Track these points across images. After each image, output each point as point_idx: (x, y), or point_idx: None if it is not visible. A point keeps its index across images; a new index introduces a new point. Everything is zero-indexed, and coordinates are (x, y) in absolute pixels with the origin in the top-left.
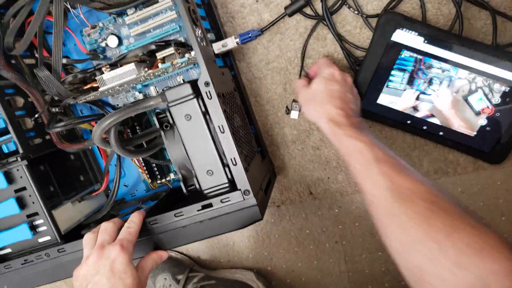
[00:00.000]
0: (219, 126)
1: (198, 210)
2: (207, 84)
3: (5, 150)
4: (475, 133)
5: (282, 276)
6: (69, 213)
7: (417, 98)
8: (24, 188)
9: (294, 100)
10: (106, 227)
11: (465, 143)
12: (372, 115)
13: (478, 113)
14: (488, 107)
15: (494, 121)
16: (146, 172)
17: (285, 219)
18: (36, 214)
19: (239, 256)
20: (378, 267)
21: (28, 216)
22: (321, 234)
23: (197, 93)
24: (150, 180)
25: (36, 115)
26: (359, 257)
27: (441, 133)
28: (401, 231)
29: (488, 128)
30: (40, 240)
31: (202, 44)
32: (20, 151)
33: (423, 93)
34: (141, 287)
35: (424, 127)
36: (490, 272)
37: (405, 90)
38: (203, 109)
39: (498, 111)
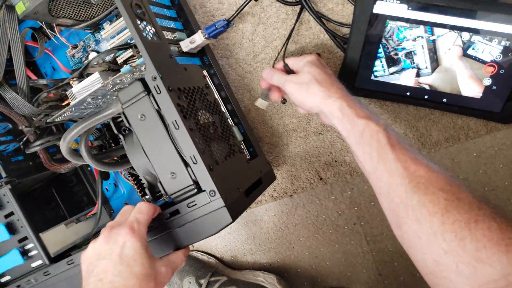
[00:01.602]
0: (172, 122)
1: (166, 219)
2: (154, 78)
3: None
4: (481, 94)
5: (306, 263)
6: (62, 235)
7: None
8: (12, 213)
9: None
10: (125, 210)
11: (472, 107)
12: (368, 92)
13: (480, 73)
14: (490, 66)
15: (500, 79)
16: (136, 185)
17: (300, 208)
18: (25, 238)
19: (262, 248)
20: (400, 244)
21: (19, 241)
22: (338, 218)
23: (149, 90)
24: (141, 194)
25: (22, 140)
26: (380, 236)
27: (444, 100)
28: (418, 223)
29: (494, 88)
30: (33, 264)
31: (153, 39)
32: (3, 175)
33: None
34: (154, 280)
35: (426, 96)
36: (511, 266)
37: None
38: (156, 106)
39: (501, 68)
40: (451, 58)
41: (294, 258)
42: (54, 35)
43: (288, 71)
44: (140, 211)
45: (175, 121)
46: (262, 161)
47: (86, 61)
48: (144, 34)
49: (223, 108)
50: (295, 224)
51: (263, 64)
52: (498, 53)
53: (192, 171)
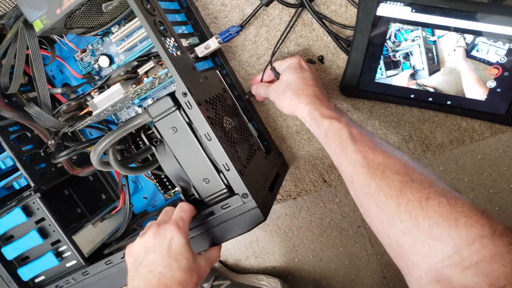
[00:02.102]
0: (205, 134)
1: (202, 220)
2: (184, 94)
3: (17, 187)
4: (485, 97)
5: (310, 266)
6: (91, 235)
7: (413, 75)
8: (43, 219)
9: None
10: (168, 210)
11: (476, 109)
12: (372, 95)
13: (485, 76)
14: (494, 68)
15: (504, 81)
16: (158, 184)
17: (304, 210)
18: (58, 241)
19: (265, 251)
20: None
21: (52, 244)
22: (342, 221)
23: (178, 104)
24: (163, 191)
25: (44, 147)
26: None
27: (448, 102)
28: (378, 208)
29: (498, 90)
30: (68, 264)
31: (177, 53)
32: (32, 184)
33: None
34: (197, 274)
35: (430, 99)
36: (463, 240)
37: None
38: (187, 119)
39: (506, 70)
40: (455, 60)
41: (298, 261)
42: (60, 39)
43: (275, 74)
44: (183, 210)
45: (207, 133)
46: (276, 154)
47: (101, 72)
48: (169, 50)
49: (238, 107)
50: (299, 227)
51: (263, 67)
52: (503, 55)
53: (225, 176)
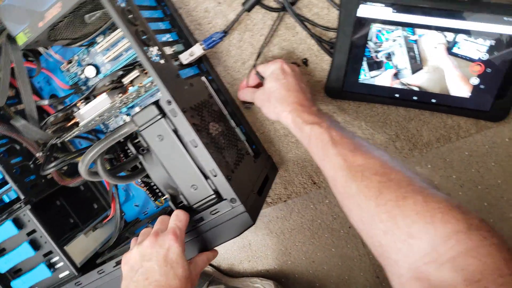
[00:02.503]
0: (190, 141)
1: (192, 226)
2: (169, 102)
3: (7, 200)
4: (469, 94)
5: (304, 268)
6: (83, 244)
7: (396, 75)
8: (34, 231)
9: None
10: (163, 219)
11: (461, 106)
12: (357, 96)
13: (468, 73)
14: (477, 65)
15: (487, 78)
16: (148, 191)
17: (295, 213)
18: (51, 252)
19: (258, 255)
20: None
21: (44, 255)
22: (333, 222)
23: (163, 112)
24: (153, 198)
25: (33, 159)
26: None
27: (433, 101)
28: (359, 209)
29: (482, 86)
30: (61, 275)
31: (160, 62)
32: (22, 197)
33: (400, 70)
34: (191, 281)
35: (415, 98)
36: (439, 237)
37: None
38: (173, 127)
39: (488, 66)
40: (437, 58)
41: (291, 264)
42: (46, 51)
43: (260, 78)
44: (179, 219)
45: (193, 140)
46: (265, 157)
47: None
48: (151, 58)
49: (225, 112)
50: (290, 229)
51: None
52: (484, 52)
53: (212, 182)
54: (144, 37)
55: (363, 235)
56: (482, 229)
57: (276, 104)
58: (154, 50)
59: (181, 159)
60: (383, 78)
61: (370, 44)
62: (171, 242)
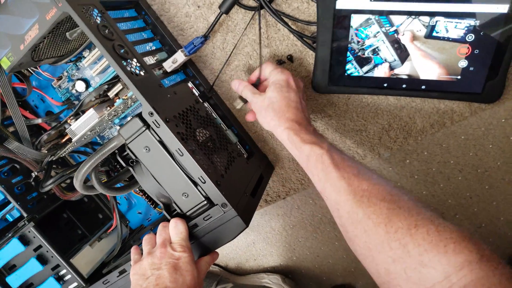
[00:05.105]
0: (176, 150)
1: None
2: (151, 114)
3: (10, 219)
4: (458, 77)
5: (309, 263)
6: (89, 255)
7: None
8: (40, 246)
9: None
10: (163, 227)
11: (452, 90)
12: (344, 89)
13: (455, 56)
14: (463, 47)
15: (475, 60)
16: (147, 199)
17: (295, 209)
18: (58, 266)
19: (263, 253)
20: None
21: (52, 269)
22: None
23: (147, 124)
24: (153, 206)
25: (33, 177)
26: None
27: (423, 87)
28: (366, 235)
29: (471, 69)
30: (69, 287)
31: (140, 74)
32: (25, 215)
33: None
34: (199, 286)
35: (404, 85)
36: (452, 266)
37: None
38: (158, 138)
39: (475, 48)
40: (406, 43)
41: (296, 260)
42: (35, 71)
43: (257, 83)
44: (180, 231)
45: (179, 149)
46: (259, 156)
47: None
48: (131, 70)
49: (214, 115)
50: (292, 226)
51: (238, 72)
52: (470, 33)
53: (202, 189)
54: (122, 50)
55: (367, 261)
56: (493, 260)
57: (273, 116)
58: (133, 63)
59: (169, 168)
60: (377, 72)
61: (353, 45)
62: (181, 253)
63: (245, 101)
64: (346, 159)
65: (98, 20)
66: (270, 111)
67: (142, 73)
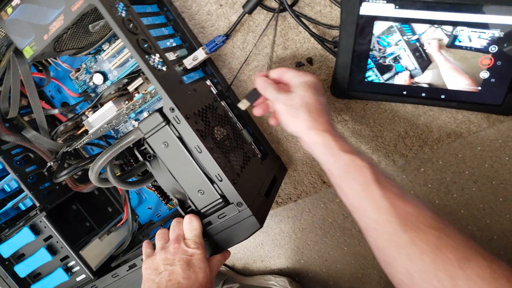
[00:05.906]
0: (195, 147)
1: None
2: (172, 109)
3: (23, 207)
4: (479, 88)
5: (317, 267)
6: (98, 248)
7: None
8: (50, 236)
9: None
10: (177, 223)
11: (472, 101)
12: (363, 94)
13: (476, 66)
14: (486, 58)
15: (498, 71)
16: (159, 194)
17: (305, 212)
18: (67, 257)
19: (271, 255)
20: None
21: (61, 260)
22: (344, 221)
23: (167, 119)
24: (164, 202)
25: (47, 167)
26: None
27: (442, 96)
28: (410, 262)
29: (492, 80)
30: (78, 279)
31: (162, 69)
32: (37, 204)
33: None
34: (211, 284)
35: (423, 94)
36: None
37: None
38: (177, 134)
39: (498, 59)
40: (432, 52)
41: (304, 263)
42: (54, 61)
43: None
44: (194, 227)
45: (197, 146)
46: (273, 157)
47: (97, 90)
48: (154, 65)
49: (230, 114)
50: (302, 229)
51: (256, 72)
52: (494, 44)
53: (218, 187)
54: (146, 45)
55: (403, 286)
56: None
57: (307, 117)
58: (156, 58)
59: (186, 165)
60: (398, 80)
61: (375, 52)
62: (194, 250)
63: (250, 101)
64: (387, 177)
65: (124, 13)
66: (304, 111)
67: (164, 68)
